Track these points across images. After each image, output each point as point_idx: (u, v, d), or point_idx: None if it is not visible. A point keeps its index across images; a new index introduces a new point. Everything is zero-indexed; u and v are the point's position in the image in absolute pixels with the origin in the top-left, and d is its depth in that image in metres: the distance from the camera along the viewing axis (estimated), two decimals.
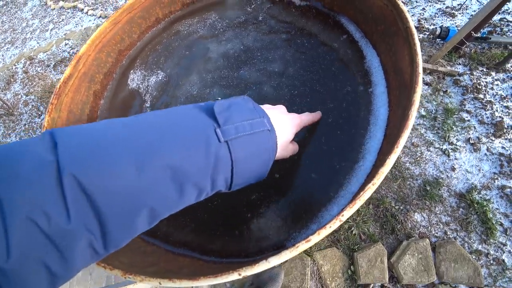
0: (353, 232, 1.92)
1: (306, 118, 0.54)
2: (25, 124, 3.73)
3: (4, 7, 7.76)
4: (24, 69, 4.66)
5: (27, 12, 6.60)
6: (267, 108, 0.43)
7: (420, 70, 0.45)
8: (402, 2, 2.86)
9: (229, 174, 0.33)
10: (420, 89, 0.44)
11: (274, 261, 0.32)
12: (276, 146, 0.38)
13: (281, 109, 0.47)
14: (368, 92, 0.66)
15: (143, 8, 1.01)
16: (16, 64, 4.94)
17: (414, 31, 0.48)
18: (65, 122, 0.84)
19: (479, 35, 2.25)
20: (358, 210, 1.98)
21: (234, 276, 0.33)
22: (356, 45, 0.72)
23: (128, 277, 0.40)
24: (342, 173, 0.61)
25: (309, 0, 0.84)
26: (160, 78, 0.85)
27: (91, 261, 0.28)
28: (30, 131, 3.56)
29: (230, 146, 0.32)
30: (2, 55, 5.55)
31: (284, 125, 0.42)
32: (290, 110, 0.67)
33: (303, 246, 0.33)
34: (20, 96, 4.21)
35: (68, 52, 4.24)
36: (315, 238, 0.34)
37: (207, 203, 0.63)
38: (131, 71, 0.93)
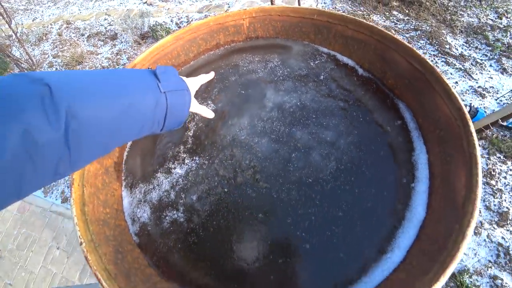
0: None
1: (202, 78, 0.69)
2: None
3: None
4: (59, 31, 4.77)
5: None
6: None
7: (478, 204, 0.47)
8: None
9: (163, 116, 0.47)
10: (474, 224, 0.46)
11: None
12: (190, 101, 0.53)
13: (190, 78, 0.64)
14: (410, 186, 0.68)
15: (209, 31, 1.06)
16: (52, 24, 5.06)
17: (479, 161, 0.51)
18: None
19: (506, 123, 2.28)
20: None
21: None
22: (408, 135, 0.74)
23: None
24: (370, 261, 0.62)
25: (372, 73, 0.88)
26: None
27: (53, 178, 0.36)
28: None
29: (166, 95, 0.47)
30: (42, 11, 5.69)
31: (192, 87, 0.60)
32: (333, 184, 0.69)
33: None
34: (47, 56, 4.30)
35: (105, 28, 4.34)
36: None
37: (230, 253, 0.65)
38: None
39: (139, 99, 0.43)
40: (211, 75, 0.73)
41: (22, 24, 5.25)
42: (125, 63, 3.44)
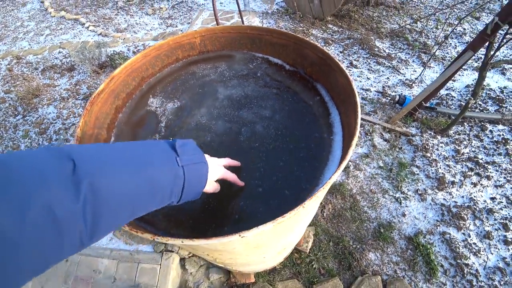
0: (314, 266, 2.12)
1: (229, 176, 0.72)
2: None
3: (1, 3, 7.82)
4: (9, 66, 4.65)
5: (24, 13, 6.72)
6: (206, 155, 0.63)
7: (358, 129, 0.74)
8: (368, 71, 3.42)
9: (181, 189, 0.50)
10: (356, 138, 0.73)
11: (268, 225, 0.55)
12: (207, 175, 0.56)
13: (214, 158, 0.68)
14: (329, 138, 0.95)
15: (169, 49, 1.29)
16: (1, 60, 4.93)
17: (359, 104, 0.79)
18: (92, 126, 1.03)
19: (428, 104, 2.78)
20: (319, 246, 2.20)
21: (236, 237, 0.55)
22: (325, 105, 1.03)
23: (157, 239, 0.60)
24: (306, 192, 0.86)
25: (295, 67, 1.17)
26: (176, 106, 1.09)
27: (77, 249, 0.37)
28: (1, 129, 3.50)
29: (184, 169, 0.49)
30: None
31: (213, 166, 0.62)
32: (274, 145, 0.93)
33: (281, 218, 0.57)
34: None
35: (60, 60, 4.36)
36: (288, 214, 0.58)
37: (204, 206, 0.84)
38: (151, 96, 1.17)
39: (159, 173, 0.45)
40: (237, 163, 0.78)
41: None
42: (85, 92, 3.50)
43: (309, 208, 0.67)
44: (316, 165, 0.89)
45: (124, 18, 5.10)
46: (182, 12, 4.89)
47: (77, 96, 3.47)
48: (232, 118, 1.00)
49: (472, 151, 2.66)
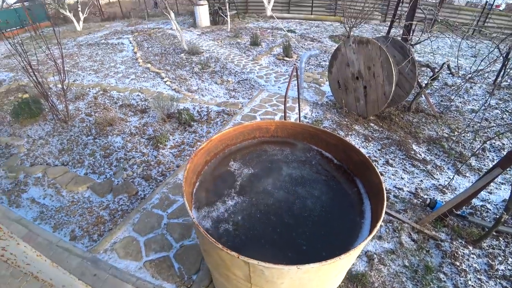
0: None
1: None
2: (70, 136, 4.44)
3: (104, 46, 9.97)
4: (95, 95, 5.79)
5: (119, 57, 8.49)
6: None
7: (382, 218, 1.10)
8: (403, 171, 3.72)
9: None
10: (379, 225, 1.08)
11: (317, 264, 0.90)
12: None
13: None
14: (360, 222, 1.30)
15: (252, 129, 1.83)
16: (90, 88, 6.15)
17: (385, 201, 1.17)
18: (191, 171, 1.50)
19: (460, 213, 2.94)
20: None
21: (293, 268, 0.89)
22: (360, 196, 1.41)
23: (240, 256, 0.96)
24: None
25: (341, 162, 1.61)
26: (250, 172, 1.55)
27: None
28: (72, 144, 4.22)
29: None
30: (83, 76, 6.92)
31: None
32: (318, 217, 1.29)
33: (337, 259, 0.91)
34: (80, 112, 5.13)
35: (137, 102, 5.36)
36: (338, 258, 0.92)
37: (262, 250, 1.19)
38: (232, 159, 1.65)
39: None
40: None
41: (72, 82, 6.31)
42: (150, 134, 4.23)
43: (344, 261, 0.99)
44: (348, 239, 1.23)
45: (196, 82, 6.25)
46: (245, 88, 5.92)
47: (143, 135, 4.19)
48: (290, 191, 1.41)
49: (508, 269, 2.66)
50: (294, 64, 5.47)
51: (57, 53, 7.31)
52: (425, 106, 5.25)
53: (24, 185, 3.54)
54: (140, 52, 8.92)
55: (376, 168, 1.37)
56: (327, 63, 7.67)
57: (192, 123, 4.43)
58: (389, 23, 13.23)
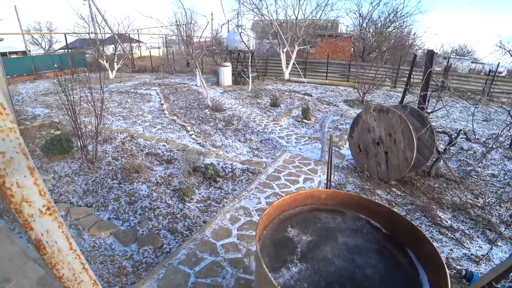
0: None
1: None
2: (96, 177, 4.60)
3: (133, 94, 10.85)
4: (123, 140, 6.13)
5: (147, 107, 9.17)
6: None
7: None
8: (430, 239, 3.62)
9: None
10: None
11: None
12: None
13: None
14: None
15: (304, 196, 1.97)
16: (118, 133, 6.54)
17: (448, 281, 1.23)
18: (263, 224, 1.60)
19: (499, 286, 2.76)
20: None
21: None
22: (414, 266, 1.46)
23: None
24: None
25: (390, 232, 1.69)
26: (308, 239, 1.64)
27: None
28: (97, 186, 4.36)
29: None
30: (112, 121, 7.42)
31: None
32: (376, 285, 1.34)
33: None
34: (107, 155, 5.39)
35: (162, 152, 5.64)
36: None
37: None
38: (289, 225, 1.75)
39: None
40: None
41: (103, 125, 6.76)
42: (176, 186, 4.38)
43: None
44: None
45: (220, 138, 6.62)
46: (268, 148, 6.21)
47: (168, 186, 4.34)
48: (348, 259, 1.49)
49: None
50: (331, 134, 5.85)
51: (89, 96, 7.95)
52: (444, 171, 5.39)
53: None
54: (167, 104, 9.65)
55: (427, 237, 1.46)
56: (344, 126, 8.20)
57: (218, 179, 4.59)
58: (398, 89, 14.32)
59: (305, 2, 15.13)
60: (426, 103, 5.53)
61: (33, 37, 25.42)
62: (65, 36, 15.76)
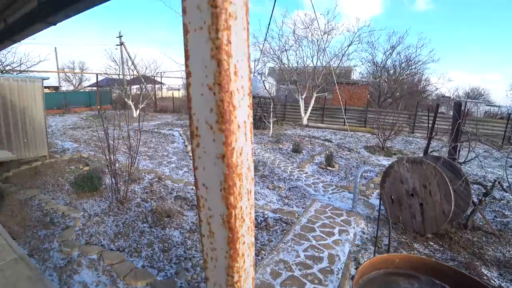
0: None
1: None
2: (126, 219, 4.57)
3: (157, 134, 11.22)
4: (151, 181, 6.20)
5: (171, 148, 9.42)
6: None
7: None
8: None
9: None
10: None
11: None
12: None
13: None
14: None
15: (380, 261, 1.90)
16: (146, 174, 6.64)
17: None
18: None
19: None
20: None
21: None
22: None
23: None
24: None
25: None
26: None
27: None
28: (128, 228, 4.31)
29: None
30: (138, 160, 7.56)
31: None
32: None
33: None
34: (136, 196, 5.42)
35: (191, 196, 5.63)
36: None
37: None
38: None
39: None
40: None
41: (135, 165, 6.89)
42: None
43: None
44: None
45: None
46: (297, 197, 6.13)
47: None
48: None
49: None
50: (379, 201, 5.76)
51: (119, 133, 8.24)
52: (481, 223, 5.11)
53: (77, 265, 3.51)
54: (190, 146, 9.86)
55: None
56: (369, 174, 8.08)
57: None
58: (417, 134, 14.23)
59: (323, 52, 16.04)
60: (457, 154, 5.54)
61: (66, 74, 27.43)
62: (97, 76, 17.00)
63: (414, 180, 4.80)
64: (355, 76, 23.68)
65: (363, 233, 4.81)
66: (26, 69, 14.04)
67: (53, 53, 27.75)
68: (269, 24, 15.68)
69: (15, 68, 13.58)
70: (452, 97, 31.84)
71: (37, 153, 7.35)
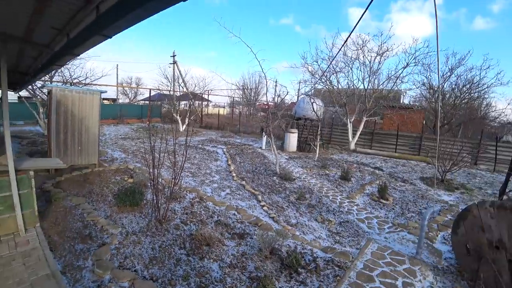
0: None
1: None
2: (163, 242, 4.20)
3: (201, 150, 11.15)
4: (192, 201, 5.88)
5: (214, 166, 9.18)
6: None
7: None
8: None
9: None
10: None
11: None
12: None
13: None
14: None
15: None
16: (187, 192, 6.37)
17: None
18: None
19: None
20: None
21: None
22: None
23: None
24: None
25: None
26: None
27: None
28: (164, 254, 3.93)
29: None
30: (182, 176, 7.32)
31: None
32: None
33: None
34: (176, 217, 5.09)
35: (233, 222, 5.15)
36: None
37: None
38: None
39: None
40: None
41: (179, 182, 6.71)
42: (251, 271, 3.74)
43: None
44: None
45: (294, 214, 5.97)
46: (349, 233, 5.33)
47: (243, 271, 3.72)
48: None
49: None
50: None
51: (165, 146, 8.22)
52: None
53: None
54: (233, 165, 9.56)
55: None
56: (426, 209, 6.86)
57: (300, 269, 3.83)
58: (481, 166, 12.31)
59: (375, 75, 15.04)
60: None
61: (123, 89, 29.77)
62: (150, 90, 17.94)
63: (501, 230, 3.86)
64: (406, 100, 22.02)
65: None
66: (90, 83, 15.28)
67: (115, 69, 30.55)
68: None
69: (81, 81, 14.85)
70: None
71: (89, 161, 7.57)
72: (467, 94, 18.69)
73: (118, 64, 30.90)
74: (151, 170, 5.01)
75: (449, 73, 17.79)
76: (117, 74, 30.64)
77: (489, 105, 21.61)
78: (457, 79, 18.14)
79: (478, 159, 13.16)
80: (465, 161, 10.11)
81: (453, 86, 18.69)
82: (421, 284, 3.97)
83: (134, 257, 3.84)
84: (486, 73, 21.69)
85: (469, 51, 20.24)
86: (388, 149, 15.44)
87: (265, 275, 3.60)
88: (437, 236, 5.60)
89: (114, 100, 28.23)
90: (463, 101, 19.03)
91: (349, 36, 4.49)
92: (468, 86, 18.22)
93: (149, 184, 5.96)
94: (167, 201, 5.01)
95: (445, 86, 18.77)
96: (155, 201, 4.84)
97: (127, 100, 30.98)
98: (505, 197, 4.76)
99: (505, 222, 3.79)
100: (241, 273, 3.66)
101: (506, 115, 19.66)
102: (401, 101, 21.29)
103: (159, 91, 20.03)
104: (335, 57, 13.82)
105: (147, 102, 20.29)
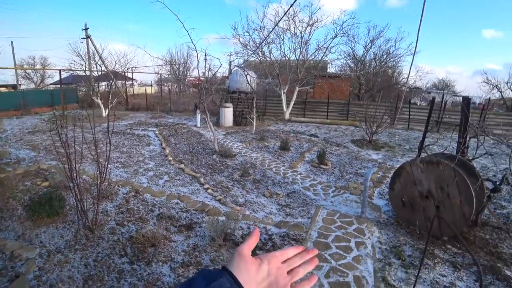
0: None
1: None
2: (98, 254, 3.55)
3: (130, 136, 9.93)
4: (126, 196, 5.13)
5: (147, 152, 8.26)
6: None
7: None
8: None
9: None
10: None
11: None
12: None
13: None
14: None
15: None
16: (120, 186, 5.54)
17: None
18: None
19: None
20: None
21: None
22: None
23: None
24: None
25: None
26: None
27: None
28: (102, 268, 3.32)
29: None
30: (111, 168, 6.31)
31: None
32: None
33: None
34: (110, 219, 4.35)
35: (177, 213, 4.66)
36: None
37: None
38: None
39: None
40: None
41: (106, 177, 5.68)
42: (208, 265, 3.40)
43: None
44: None
45: (241, 192, 5.75)
46: (298, 204, 5.38)
47: (199, 267, 3.35)
48: None
49: None
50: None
51: (82, 136, 7.05)
52: (484, 217, 4.94)
53: None
54: (169, 148, 8.79)
55: None
56: (363, 170, 7.50)
57: (258, 252, 3.66)
58: (398, 126, 14.19)
59: (305, 45, 15.30)
60: (466, 151, 5.19)
61: (25, 71, 24.76)
62: (60, 72, 15.07)
63: (429, 182, 4.40)
64: (333, 69, 23.37)
65: (380, 243, 4.22)
66: None
67: (9, 46, 24.84)
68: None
69: None
70: (423, 88, 32.65)
71: None
72: (384, 63, 20.62)
73: (12, 41, 25.11)
74: (68, 169, 4.09)
75: (370, 44, 19.25)
76: (13, 53, 25.01)
77: (400, 73, 24.35)
78: (377, 49, 19.78)
79: (396, 120, 14.91)
80: (387, 123, 11.23)
81: (373, 55, 20.38)
82: (370, 241, 4.23)
83: (63, 282, 3.11)
84: (399, 44, 24.28)
85: (387, 24, 22.02)
86: (320, 116, 16.30)
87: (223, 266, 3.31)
88: (374, 192, 6.08)
89: (14, 86, 23.31)
90: (381, 70, 20.99)
91: (287, 11, 4.12)
92: (385, 56, 20.09)
93: (75, 190, 4.96)
94: (95, 202, 4.21)
95: (366, 56, 20.38)
96: (79, 205, 4.02)
97: (32, 86, 25.90)
98: (422, 152, 5.31)
99: (433, 174, 4.30)
100: (197, 270, 3.30)
101: (414, 81, 22.54)
102: (328, 71, 22.44)
103: (71, 72, 17.07)
104: (272, 30, 13.39)
105: (58, 86, 17.15)
